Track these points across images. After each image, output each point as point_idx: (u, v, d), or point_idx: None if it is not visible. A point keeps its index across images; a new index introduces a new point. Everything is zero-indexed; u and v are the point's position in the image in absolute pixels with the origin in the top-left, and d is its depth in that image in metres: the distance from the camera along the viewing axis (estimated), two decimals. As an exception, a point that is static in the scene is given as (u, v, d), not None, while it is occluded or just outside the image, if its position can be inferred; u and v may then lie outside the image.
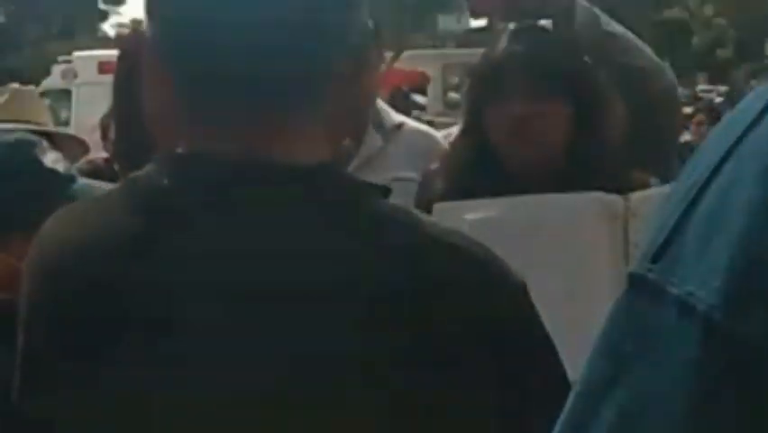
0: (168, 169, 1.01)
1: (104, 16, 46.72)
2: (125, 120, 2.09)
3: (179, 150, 1.03)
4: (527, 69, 1.96)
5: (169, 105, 1.03)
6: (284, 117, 1.00)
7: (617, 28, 2.15)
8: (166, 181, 1.00)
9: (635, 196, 1.91)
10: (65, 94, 17.55)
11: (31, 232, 1.58)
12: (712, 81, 39.73)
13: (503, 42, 2.03)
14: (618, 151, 2.06)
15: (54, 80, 18.09)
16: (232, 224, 0.97)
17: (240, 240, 0.97)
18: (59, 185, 1.66)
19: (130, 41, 2.15)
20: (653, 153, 2.15)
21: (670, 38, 35.66)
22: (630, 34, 2.17)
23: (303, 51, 0.98)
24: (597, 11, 2.12)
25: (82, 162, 2.37)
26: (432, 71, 30.42)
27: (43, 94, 18.39)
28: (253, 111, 1.00)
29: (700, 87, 39.02)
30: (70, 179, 1.70)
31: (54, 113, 17.94)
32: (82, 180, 1.72)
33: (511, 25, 2.07)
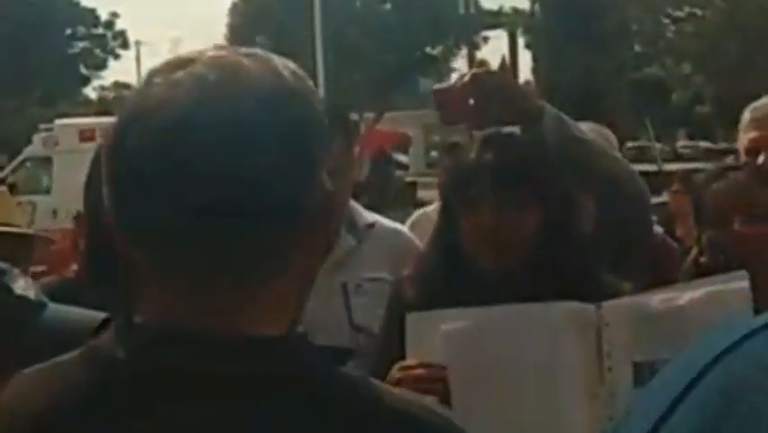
0: (126, 341, 1.00)
1: (85, 81, 46.85)
2: (95, 231, 2.08)
3: (138, 318, 1.02)
4: (495, 179, 1.97)
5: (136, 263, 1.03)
6: (242, 288, 1.00)
7: (586, 133, 2.17)
8: (123, 356, 0.99)
9: (608, 305, 1.91)
10: (46, 161, 17.64)
11: (3, 361, 1.56)
12: (692, 137, 40.07)
13: (473, 150, 2.04)
14: (589, 254, 2.07)
15: (36, 148, 18.19)
16: (188, 406, 0.96)
17: (197, 422, 0.96)
18: (29, 312, 1.64)
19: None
20: (625, 256, 2.16)
21: (648, 96, 36.00)
22: (598, 140, 2.19)
23: (260, 224, 0.98)
24: (564, 116, 2.14)
25: (51, 278, 2.35)
26: (413, 131, 30.64)
27: (24, 161, 18.51)
28: (212, 284, 0.99)
29: (681, 143, 39.36)
30: (41, 305, 1.68)
31: (36, 180, 18.05)
32: (53, 306, 1.70)
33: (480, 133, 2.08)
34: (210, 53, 1.03)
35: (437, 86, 2.19)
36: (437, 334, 1.93)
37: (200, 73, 1.00)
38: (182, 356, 0.98)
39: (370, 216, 2.51)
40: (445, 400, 1.90)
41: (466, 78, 2.11)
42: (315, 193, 1.01)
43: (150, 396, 0.97)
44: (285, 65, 1.04)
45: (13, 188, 17.79)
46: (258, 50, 1.06)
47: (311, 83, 1.06)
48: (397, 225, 2.61)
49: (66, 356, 1.05)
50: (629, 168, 2.22)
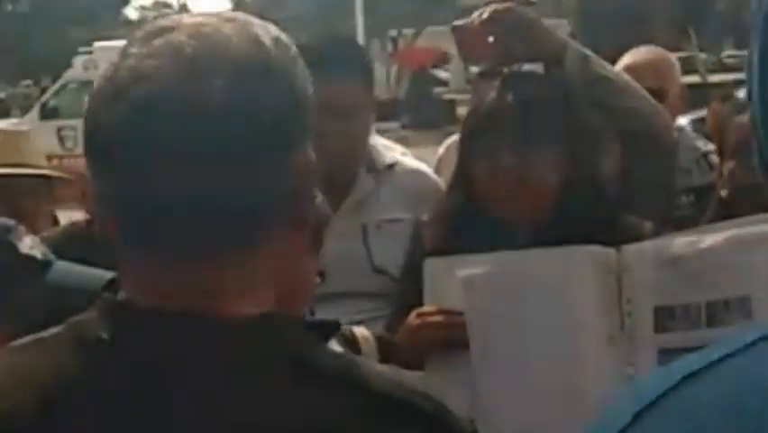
0: (107, 319, 1.00)
1: (125, 1, 46.77)
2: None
3: (121, 295, 1.01)
4: (516, 120, 1.91)
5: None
6: (216, 266, 0.98)
7: (610, 70, 2.11)
8: (104, 335, 0.98)
9: (629, 249, 1.87)
10: (87, 85, 17.76)
11: (8, 321, 1.56)
12: (739, 46, 39.30)
13: (493, 89, 1.98)
14: (611, 195, 2.02)
15: (76, 72, 18.33)
16: (165, 387, 0.95)
17: (172, 404, 0.95)
18: (35, 271, 1.63)
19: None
20: (649, 195, 2.11)
21: (692, 3, 35.28)
22: (624, 76, 2.13)
23: (238, 206, 0.97)
24: (589, 53, 2.08)
25: (66, 225, 2.34)
26: (453, 47, 30.23)
27: (66, 85, 18.63)
28: (186, 261, 0.98)
29: (726, 52, 38.65)
30: (47, 264, 1.67)
31: (78, 104, 18.16)
32: (59, 265, 1.69)
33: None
34: (190, 20, 1.01)
35: (456, 22, 2.14)
36: (456, 279, 1.91)
37: (177, 44, 0.98)
38: (162, 337, 0.97)
39: (391, 157, 2.47)
40: (464, 346, 1.88)
41: (485, 15, 2.06)
42: (293, 166, 0.99)
43: (131, 377, 0.96)
44: (267, 31, 1.02)
45: (55, 112, 18.00)
46: (240, 15, 1.04)
47: (294, 49, 1.03)
48: (420, 166, 2.57)
49: (50, 332, 1.04)
50: (653, 103, 2.16)
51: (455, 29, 2.12)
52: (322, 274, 2.15)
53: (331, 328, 1.04)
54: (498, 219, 1.96)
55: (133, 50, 0.99)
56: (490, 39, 2.05)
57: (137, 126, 0.95)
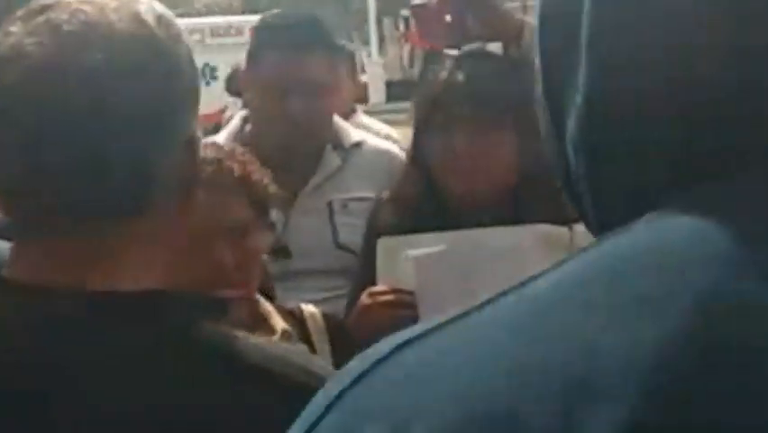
0: None
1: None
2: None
3: (5, 271, 1.02)
4: (469, 101, 1.90)
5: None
6: (97, 245, 0.99)
7: None
8: None
9: (580, 228, 1.86)
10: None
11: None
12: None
13: (446, 70, 1.98)
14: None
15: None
16: (31, 360, 0.97)
17: (39, 377, 0.97)
18: None
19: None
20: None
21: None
22: None
23: (114, 181, 0.97)
24: None
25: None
26: (467, 27, 30.10)
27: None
28: (71, 237, 0.99)
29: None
30: None
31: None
32: None
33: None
34: None
35: (415, 1, 2.14)
36: (408, 260, 1.91)
37: (56, 22, 0.98)
38: (42, 311, 0.98)
39: (358, 136, 2.47)
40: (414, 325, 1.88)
41: None
42: (175, 142, 1.00)
43: (10, 350, 0.98)
44: (151, 9, 1.02)
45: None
46: None
47: (177, 28, 1.03)
48: (388, 145, 2.57)
49: None
50: None
51: (414, 8, 2.13)
52: (287, 252, 2.17)
53: (218, 307, 1.05)
54: (453, 199, 1.96)
55: (14, 28, 0.99)
56: (447, 18, 2.05)
57: (9, 106, 0.96)
